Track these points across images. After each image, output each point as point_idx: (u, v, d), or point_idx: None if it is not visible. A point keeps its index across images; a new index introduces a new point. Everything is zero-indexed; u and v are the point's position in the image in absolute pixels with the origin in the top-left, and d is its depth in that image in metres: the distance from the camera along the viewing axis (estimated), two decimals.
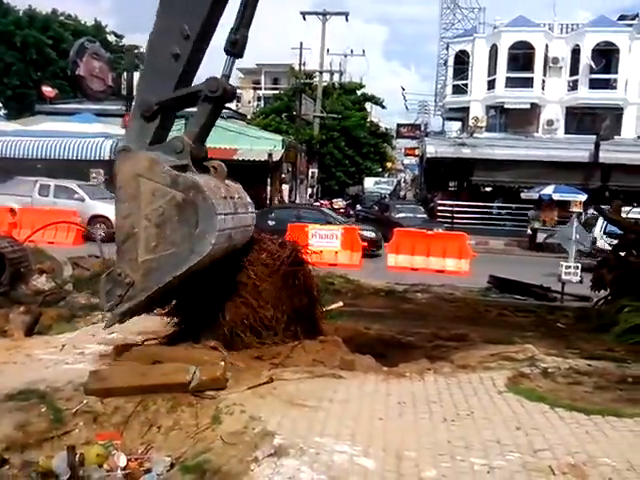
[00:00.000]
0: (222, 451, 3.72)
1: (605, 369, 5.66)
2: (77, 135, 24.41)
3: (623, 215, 9.59)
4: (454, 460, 3.62)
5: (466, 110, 32.89)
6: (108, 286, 4.88)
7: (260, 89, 58.41)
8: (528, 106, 30.77)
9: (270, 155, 25.51)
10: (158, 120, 5.17)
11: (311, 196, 35.37)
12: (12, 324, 6.35)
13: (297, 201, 31.66)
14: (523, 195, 25.51)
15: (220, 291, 5.45)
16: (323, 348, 5.75)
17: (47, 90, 30.26)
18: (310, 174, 36.02)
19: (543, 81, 31.05)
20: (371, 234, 17.35)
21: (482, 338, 7.00)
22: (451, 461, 3.61)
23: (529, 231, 22.80)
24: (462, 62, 32.85)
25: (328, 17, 35.08)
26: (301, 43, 36.53)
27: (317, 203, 32.64)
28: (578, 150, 27.46)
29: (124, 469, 3.73)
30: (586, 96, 30.23)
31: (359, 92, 44.30)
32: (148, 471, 3.73)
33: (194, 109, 5.50)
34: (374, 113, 49.48)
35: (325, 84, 40.67)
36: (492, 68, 31.55)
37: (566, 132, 30.92)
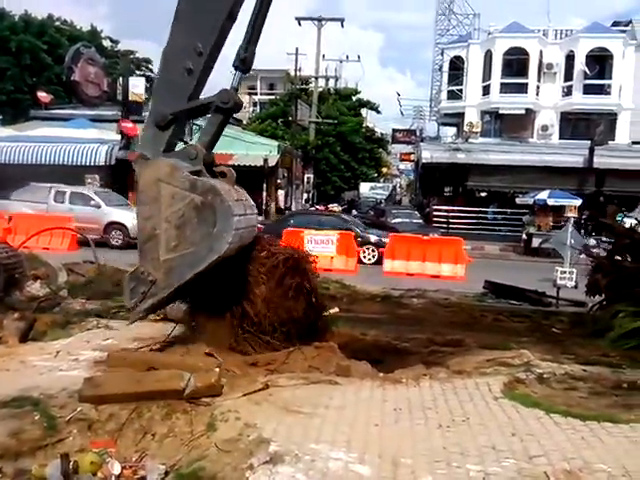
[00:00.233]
0: (217, 458, 3.70)
1: (600, 374, 5.67)
2: (72, 141, 24.37)
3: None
4: (450, 466, 3.62)
5: (461, 115, 33.01)
6: (132, 284, 5.16)
7: (256, 94, 58.47)
8: (523, 111, 30.90)
9: (266, 160, 25.53)
10: (171, 129, 5.52)
11: (307, 201, 35.38)
12: (6, 330, 6.30)
13: (293, 207, 31.67)
14: (518, 200, 25.60)
15: (226, 288, 5.53)
16: (319, 354, 5.74)
17: (42, 95, 30.20)
18: (306, 179, 36.04)
19: (537, 87, 31.20)
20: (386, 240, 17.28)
21: (478, 343, 7.00)
22: (447, 467, 3.60)
23: (524, 236, 22.86)
24: (457, 68, 32.99)
25: (324, 23, 35.17)
26: (297, 49, 36.66)
27: (313, 208, 32.66)
28: (572, 155, 27.59)
29: (118, 477, 3.69)
30: (580, 102, 30.38)
31: (354, 98, 44.41)
32: (142, 479, 3.70)
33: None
34: (369, 118, 49.64)
35: (321, 90, 40.76)
36: (487, 74, 31.69)
37: (560, 137, 31.05)
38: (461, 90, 32.93)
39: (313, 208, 32.04)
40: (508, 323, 8.93)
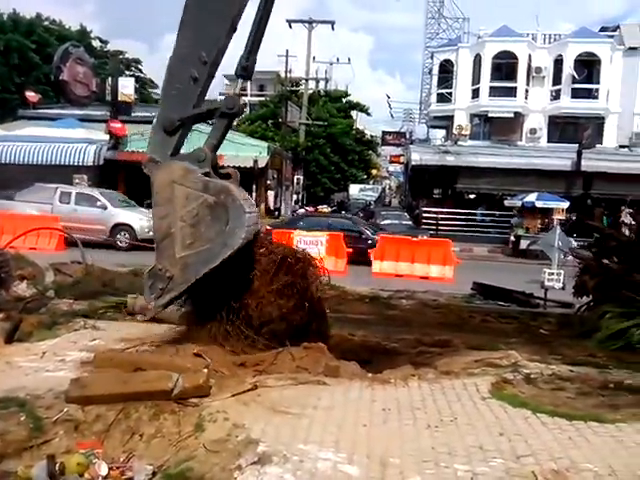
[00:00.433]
0: (205, 459, 3.69)
1: (587, 375, 5.71)
2: (60, 140, 24.22)
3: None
4: (438, 466, 3.62)
5: (450, 118, 33.19)
6: (150, 281, 5.39)
7: (246, 96, 58.38)
8: (511, 115, 31.13)
9: (256, 161, 25.51)
10: (178, 134, 5.74)
11: (296, 202, 35.41)
12: None
13: (282, 208, 31.66)
14: (506, 202, 25.78)
15: (221, 282, 5.54)
16: (307, 355, 5.71)
17: (30, 95, 30.00)
18: (295, 181, 36.06)
19: (526, 90, 31.44)
20: None
21: (466, 344, 7.03)
22: (435, 467, 3.61)
23: (512, 238, 23.01)
24: (447, 71, 33.17)
25: (314, 25, 35.28)
26: (287, 51, 36.72)
27: (302, 210, 32.67)
28: (560, 159, 27.83)
29: (105, 478, 3.67)
30: (568, 105, 30.65)
31: (344, 100, 44.51)
32: None
33: None
34: (359, 121, 49.79)
35: (311, 91, 40.82)
36: (476, 77, 31.89)
37: (549, 141, 31.31)
38: (451, 93, 33.11)
39: (302, 210, 32.07)
40: (496, 324, 8.98)
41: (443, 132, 37.59)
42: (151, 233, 18.56)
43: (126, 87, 26.79)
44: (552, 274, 10.78)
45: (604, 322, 7.61)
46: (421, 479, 3.48)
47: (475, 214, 28.62)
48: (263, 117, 40.29)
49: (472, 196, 31.23)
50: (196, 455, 3.75)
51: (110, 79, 26.93)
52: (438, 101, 33.92)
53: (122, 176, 25.36)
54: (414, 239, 16.28)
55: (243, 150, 26.45)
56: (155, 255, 5.47)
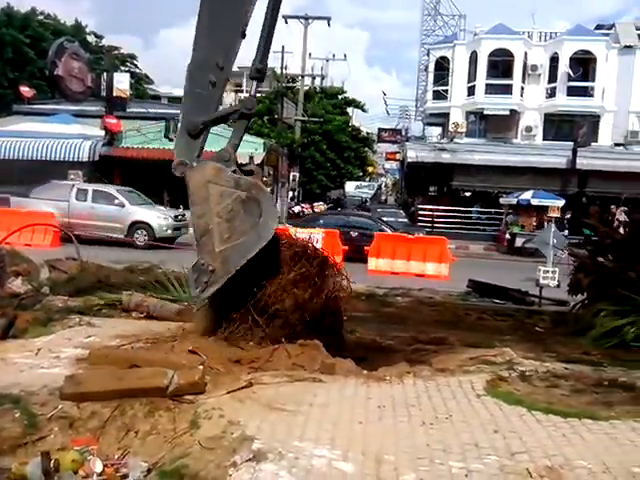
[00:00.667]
0: (200, 456, 3.68)
1: (582, 372, 5.73)
2: (55, 136, 24.08)
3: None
4: (433, 463, 3.63)
5: (446, 116, 33.23)
6: (195, 275, 5.67)
7: (242, 92, 58.26)
8: (507, 112, 31.19)
9: (251, 158, 25.41)
10: (202, 137, 6.08)
11: (292, 199, 35.36)
12: None
13: (278, 205, 31.59)
14: (502, 200, 25.83)
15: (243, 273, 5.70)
16: (303, 352, 5.71)
17: (25, 90, 29.81)
18: (291, 177, 35.99)
19: (522, 88, 31.50)
20: None
21: (461, 342, 7.05)
22: (430, 464, 3.62)
23: (508, 236, 23.07)
24: (442, 68, 33.20)
25: (310, 21, 35.11)
26: (283, 47, 36.52)
27: (298, 207, 32.65)
28: (556, 156, 27.90)
29: (100, 475, 3.67)
30: (564, 103, 30.74)
31: (340, 96, 44.44)
32: (125, 477, 3.67)
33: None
34: (355, 117, 49.68)
35: (307, 88, 40.71)
36: (472, 74, 31.93)
37: (544, 138, 31.40)
38: (446, 90, 33.14)
39: (298, 207, 32.06)
40: (491, 322, 9.01)
41: (439, 129, 37.64)
42: (169, 231, 18.53)
43: (121, 82, 26.63)
44: (547, 272, 10.81)
45: (599, 320, 7.64)
46: (416, 476, 3.48)
47: (471, 212, 28.68)
48: (259, 113, 40.09)
49: (468, 194, 31.28)
50: (191, 452, 3.74)
51: (105, 74, 26.77)
52: (434, 98, 33.95)
53: (117, 172, 25.28)
54: (410, 237, 16.30)
55: (239, 146, 26.39)
56: (196, 251, 5.78)
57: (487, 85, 31.36)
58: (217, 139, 7.10)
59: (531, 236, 19.16)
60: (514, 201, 23.98)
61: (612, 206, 24.47)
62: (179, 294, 8.32)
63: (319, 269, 6.10)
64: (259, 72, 6.19)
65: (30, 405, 4.33)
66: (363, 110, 46.26)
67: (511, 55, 30.94)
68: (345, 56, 42.61)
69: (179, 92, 65.06)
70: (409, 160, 30.04)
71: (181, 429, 4.07)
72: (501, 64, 31.33)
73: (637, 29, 32.71)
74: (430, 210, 27.86)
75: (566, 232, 20.07)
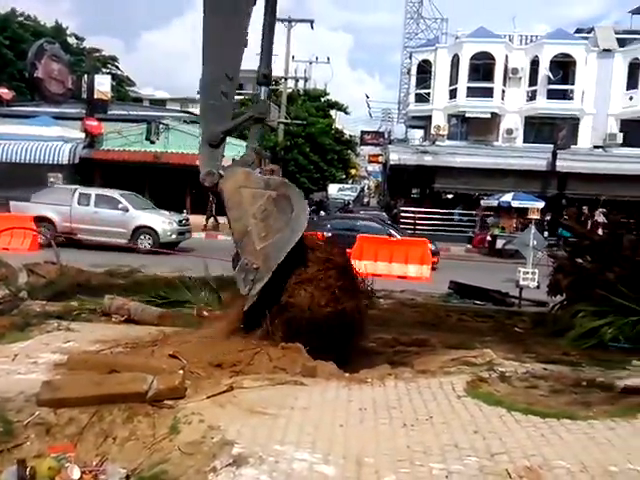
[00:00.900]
0: (179, 461, 3.65)
1: (561, 373, 5.78)
2: (34, 138, 23.85)
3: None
4: (413, 465, 3.64)
5: (429, 118, 33.41)
6: (242, 275, 5.89)
7: None
8: (488, 115, 31.46)
9: (234, 161, 25.36)
10: (223, 145, 6.42)
11: None
12: None
13: None
14: (483, 202, 26.03)
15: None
16: (284, 355, 5.70)
17: (3, 92, 29.44)
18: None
19: (503, 91, 31.80)
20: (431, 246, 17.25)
21: (442, 343, 7.08)
22: (410, 466, 3.63)
23: (489, 237, 23.25)
24: (425, 71, 33.38)
25: (293, 24, 35.10)
26: None
27: None
28: (536, 159, 28.21)
29: None
30: (544, 106, 31.09)
31: (323, 99, 44.47)
32: None
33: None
34: (339, 120, 49.73)
35: (290, 90, 40.69)
36: (454, 78, 32.17)
37: (525, 141, 31.72)
38: (429, 93, 33.34)
39: None
40: (472, 323, 9.06)
41: (421, 132, 37.83)
42: (173, 236, 18.27)
43: (102, 85, 26.42)
44: (527, 273, 10.90)
45: (577, 320, 7.73)
46: (396, 478, 3.49)
47: (452, 214, 28.87)
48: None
49: (450, 196, 31.49)
50: (170, 458, 3.71)
51: (86, 76, 26.54)
52: (416, 101, 34.13)
53: (98, 175, 25.07)
54: (392, 239, 16.35)
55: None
56: (239, 252, 6.03)
57: (469, 88, 31.60)
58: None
59: (511, 238, 19.33)
60: (495, 203, 24.20)
61: (584, 207, 24.84)
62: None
63: (341, 280, 6.21)
64: (266, 77, 6.60)
65: (6, 412, 4.26)
66: (346, 113, 46.34)
67: (492, 58, 31.23)
68: (328, 59, 42.56)
69: (161, 94, 64.83)
70: (391, 162, 30.17)
71: (160, 435, 4.03)
72: (482, 67, 31.60)
73: (616, 33, 33.23)
74: (412, 212, 28.00)
75: (546, 234, 20.29)
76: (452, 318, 9.28)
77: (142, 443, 4.01)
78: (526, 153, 29.11)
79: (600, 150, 30.43)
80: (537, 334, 8.16)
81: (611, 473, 3.58)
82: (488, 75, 31.41)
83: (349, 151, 48.03)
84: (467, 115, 31.73)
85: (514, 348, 7.06)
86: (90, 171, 24.57)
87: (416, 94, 34.06)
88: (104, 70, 41.27)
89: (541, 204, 23.50)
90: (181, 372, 4.75)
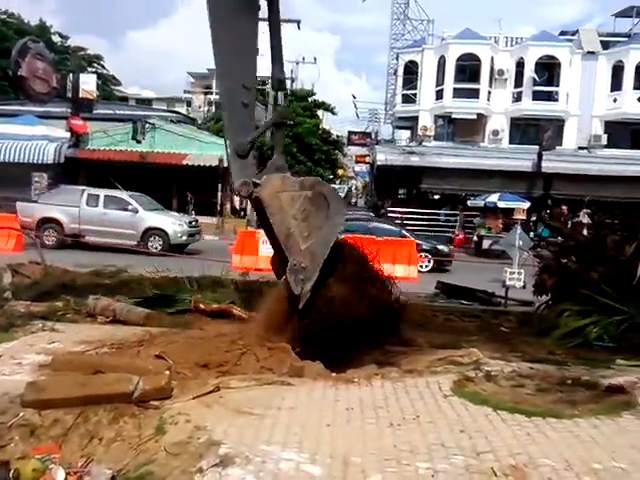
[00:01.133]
0: (165, 462, 3.63)
1: (546, 372, 5.82)
2: (19, 138, 23.63)
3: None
4: (400, 464, 3.65)
5: (415, 119, 33.54)
6: (293, 275, 6.01)
7: (211, 94, 57.89)
8: (474, 116, 31.64)
9: (221, 161, 25.29)
10: (251, 154, 6.54)
11: None
12: None
13: (248, 208, 31.42)
14: (469, 203, 26.17)
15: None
16: (271, 355, 5.71)
17: None
18: None
19: (489, 92, 32.01)
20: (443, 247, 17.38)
21: (429, 343, 7.10)
22: (397, 466, 3.64)
23: (475, 238, 23.39)
24: (411, 72, 33.51)
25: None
26: None
27: None
28: (522, 160, 28.41)
29: None
30: (530, 107, 31.34)
31: (310, 99, 44.47)
32: None
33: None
34: (326, 120, 49.77)
35: None
36: (440, 79, 32.32)
37: (510, 142, 31.95)
38: (415, 94, 33.47)
39: None
40: (459, 323, 9.10)
41: (408, 133, 37.94)
42: (184, 238, 18.20)
43: (87, 84, 26.22)
44: (513, 273, 10.97)
45: (562, 320, 7.78)
46: (382, 477, 3.50)
47: (439, 214, 28.99)
48: None
49: (436, 196, 31.61)
50: (156, 458, 3.69)
51: (71, 75, 26.32)
52: (403, 102, 34.24)
53: (83, 174, 24.87)
54: (379, 239, 16.37)
55: (208, 149, 26.23)
56: (287, 254, 6.13)
57: (455, 89, 31.77)
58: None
59: (498, 238, 19.45)
60: (481, 203, 24.34)
61: (563, 207, 25.06)
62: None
63: (373, 281, 6.63)
64: (281, 82, 6.88)
65: None
66: (333, 113, 46.39)
67: (478, 60, 31.42)
68: (315, 59, 42.63)
69: (147, 94, 64.41)
70: (378, 163, 30.22)
71: (146, 435, 4.01)
72: (468, 68, 31.79)
73: (599, 36, 33.60)
74: (399, 212, 28.08)
75: (532, 234, 20.43)
76: (439, 318, 9.31)
77: (128, 444, 3.99)
78: (512, 154, 29.31)
79: (585, 151, 30.73)
80: (523, 333, 8.21)
81: (595, 471, 3.62)
82: (474, 76, 31.60)
83: (336, 151, 48.08)
84: (453, 116, 31.90)
85: (500, 347, 7.10)
86: (75, 171, 24.37)
87: (403, 95, 34.18)
88: (89, 69, 40.95)
89: (527, 204, 23.69)
90: (167, 372, 4.73)
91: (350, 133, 41.14)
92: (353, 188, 62.42)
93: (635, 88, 30.85)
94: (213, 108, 52.28)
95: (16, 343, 6.14)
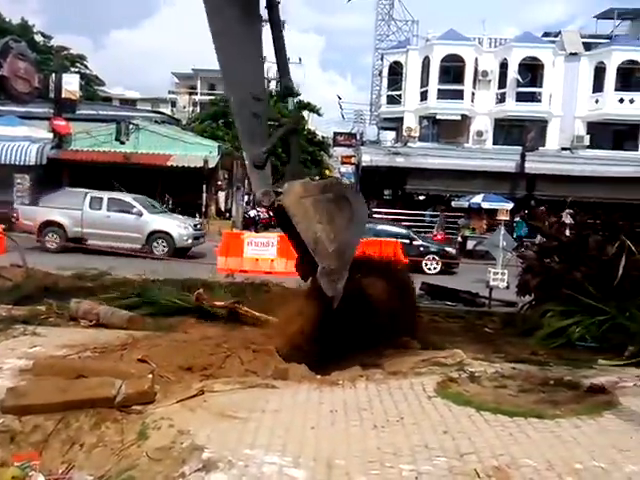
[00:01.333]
0: (148, 467, 3.61)
1: (529, 372, 5.86)
2: (0, 138, 23.28)
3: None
4: (383, 467, 3.65)
5: (400, 120, 33.65)
6: (324, 279, 6.04)
7: (196, 94, 57.65)
8: (459, 117, 31.83)
9: (206, 161, 25.18)
10: (268, 164, 6.55)
11: (247, 203, 35.10)
12: None
13: (233, 209, 31.33)
14: (454, 203, 26.32)
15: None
16: (256, 358, 5.69)
17: None
18: (247, 181, 35.74)
19: (473, 93, 32.22)
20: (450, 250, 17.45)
21: (414, 344, 7.11)
22: (380, 468, 3.64)
23: (459, 239, 23.51)
24: (396, 73, 33.63)
25: (264, 24, 35.01)
26: None
27: (254, 211, 32.44)
28: (505, 160, 28.60)
29: None
30: (513, 108, 31.60)
31: (295, 100, 44.42)
32: None
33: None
34: (311, 121, 49.75)
35: None
36: (425, 80, 32.47)
37: (494, 143, 32.18)
38: (400, 95, 33.58)
39: (254, 211, 31.84)
40: (443, 323, 9.15)
41: (393, 134, 38.05)
42: (189, 241, 18.01)
43: (70, 84, 25.92)
44: (497, 274, 11.05)
45: (545, 320, 7.86)
46: None
47: (424, 215, 29.11)
48: (214, 116, 39.80)
49: (421, 197, 31.73)
50: (138, 464, 3.66)
51: (54, 75, 26.02)
52: (388, 103, 34.36)
53: (66, 176, 24.61)
54: (364, 239, 16.37)
55: (193, 150, 26.09)
56: (316, 259, 6.12)
57: (439, 90, 31.93)
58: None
59: (482, 239, 19.56)
60: (466, 204, 24.48)
61: (541, 207, 25.24)
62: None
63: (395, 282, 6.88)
64: (289, 89, 6.98)
65: None
66: (318, 114, 46.43)
67: (462, 61, 31.61)
68: (300, 60, 42.69)
69: (131, 94, 63.89)
70: (364, 164, 30.27)
71: (129, 440, 3.98)
72: (453, 70, 31.97)
73: (582, 37, 33.96)
74: (385, 213, 28.14)
75: (514, 235, 20.58)
76: (423, 319, 9.33)
77: (110, 449, 3.95)
78: (496, 155, 29.51)
79: (567, 152, 31.04)
80: (507, 334, 8.28)
81: (577, 470, 3.65)
82: (458, 77, 31.79)
83: (322, 152, 48.11)
84: (438, 117, 32.07)
85: (484, 348, 7.16)
86: (58, 172, 24.09)
87: (388, 96, 34.29)
88: (72, 69, 40.53)
89: (510, 205, 23.86)
90: (150, 376, 4.69)
91: (335, 134, 41.10)
92: None
93: (617, 89, 31.24)
94: (198, 108, 52.05)
95: None
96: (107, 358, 5.55)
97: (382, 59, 35.54)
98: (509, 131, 32.59)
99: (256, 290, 10.23)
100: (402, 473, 3.58)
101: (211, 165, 25.76)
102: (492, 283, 10.97)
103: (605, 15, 35.76)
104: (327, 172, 56.97)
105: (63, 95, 24.92)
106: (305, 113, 45.88)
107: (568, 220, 19.26)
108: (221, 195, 29.72)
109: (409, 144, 31.30)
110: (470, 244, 22.26)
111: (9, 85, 25.08)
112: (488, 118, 32.44)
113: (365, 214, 6.60)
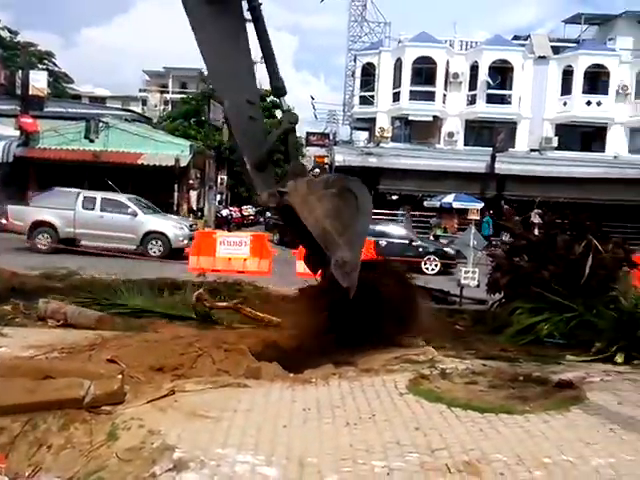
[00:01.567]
0: (117, 468, 3.54)
1: (499, 369, 5.94)
2: None
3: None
4: (355, 464, 3.66)
5: (373, 120, 33.87)
6: (338, 271, 6.09)
7: (167, 93, 57.08)
8: (430, 118, 32.16)
9: (177, 160, 24.95)
10: (269, 165, 6.67)
11: (220, 203, 34.91)
12: None
13: (205, 208, 31.10)
14: (426, 203, 26.58)
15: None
16: (228, 357, 5.65)
17: None
18: (219, 180, 35.52)
19: (444, 95, 32.58)
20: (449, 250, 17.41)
21: (386, 341, 7.15)
22: (353, 465, 3.64)
23: (431, 237, 23.74)
24: (369, 74, 33.82)
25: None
26: None
27: (227, 210, 32.27)
28: (476, 161, 29.02)
29: None
30: (484, 110, 32.04)
31: (268, 99, 44.29)
32: None
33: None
34: None
35: None
36: (397, 81, 32.72)
37: (465, 144, 32.60)
38: (373, 96, 33.78)
39: (226, 210, 31.68)
40: None
41: (366, 134, 38.23)
42: (185, 242, 17.79)
43: (38, 81, 25.46)
44: (468, 272, 11.19)
45: (515, 317, 7.97)
46: (339, 477, 3.50)
47: (397, 215, 29.31)
48: (185, 115, 39.45)
49: (394, 197, 31.96)
50: (108, 465, 3.59)
51: (20, 72, 25.53)
52: (361, 103, 34.53)
53: (33, 174, 24.14)
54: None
55: (164, 148, 25.84)
56: (328, 253, 6.21)
57: (411, 91, 32.22)
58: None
59: (453, 238, 19.79)
60: (437, 204, 24.75)
61: (505, 207, 25.65)
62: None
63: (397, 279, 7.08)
64: (279, 89, 6.98)
65: None
66: None
67: (434, 63, 31.94)
68: None
69: (101, 92, 62.99)
70: (337, 164, 30.35)
71: (98, 441, 3.90)
72: (425, 71, 32.28)
73: (550, 41, 34.61)
74: None
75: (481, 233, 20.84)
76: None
77: (78, 451, 3.87)
78: (466, 156, 29.92)
79: (536, 153, 31.62)
80: (477, 331, 8.37)
81: (545, 465, 3.71)
82: (430, 79, 32.12)
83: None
84: (410, 118, 32.35)
85: (455, 345, 7.22)
86: (25, 170, 23.64)
87: (360, 96, 34.45)
88: (40, 66, 39.77)
89: (480, 205, 24.20)
90: (120, 377, 4.61)
91: (308, 134, 41.15)
92: None
93: (584, 92, 31.92)
94: (169, 107, 51.51)
95: None
96: (75, 359, 5.46)
97: (355, 60, 35.70)
98: (479, 132, 33.05)
99: (229, 289, 10.17)
100: (374, 470, 3.59)
101: (183, 164, 25.55)
102: (463, 281, 11.11)
103: (573, 20, 36.51)
104: None
105: (30, 92, 24.48)
106: (278, 113, 45.80)
107: (537, 220, 19.64)
108: (193, 194, 29.47)
109: (382, 144, 31.51)
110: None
111: None
112: (459, 119, 32.84)
113: (370, 205, 6.75)
